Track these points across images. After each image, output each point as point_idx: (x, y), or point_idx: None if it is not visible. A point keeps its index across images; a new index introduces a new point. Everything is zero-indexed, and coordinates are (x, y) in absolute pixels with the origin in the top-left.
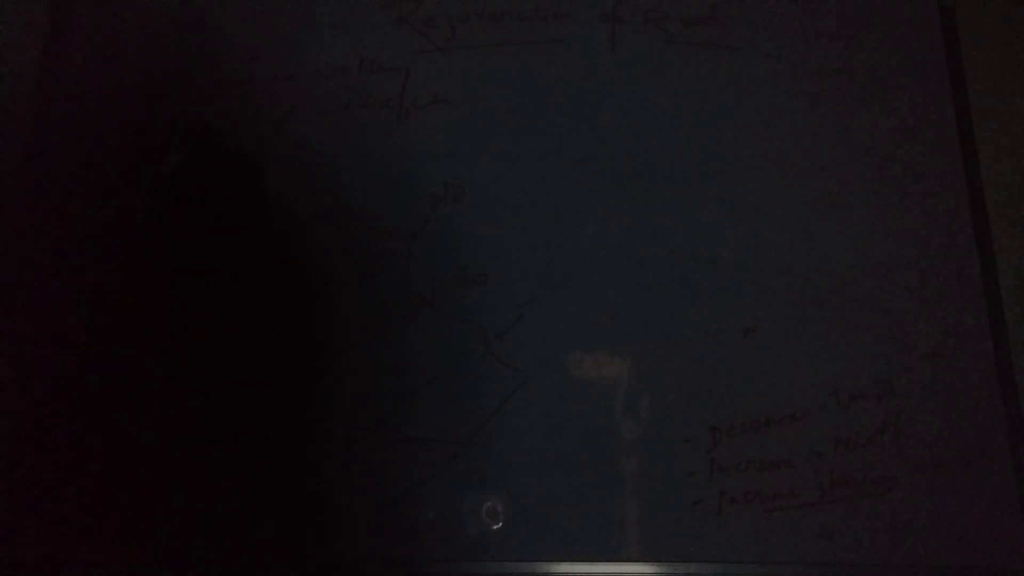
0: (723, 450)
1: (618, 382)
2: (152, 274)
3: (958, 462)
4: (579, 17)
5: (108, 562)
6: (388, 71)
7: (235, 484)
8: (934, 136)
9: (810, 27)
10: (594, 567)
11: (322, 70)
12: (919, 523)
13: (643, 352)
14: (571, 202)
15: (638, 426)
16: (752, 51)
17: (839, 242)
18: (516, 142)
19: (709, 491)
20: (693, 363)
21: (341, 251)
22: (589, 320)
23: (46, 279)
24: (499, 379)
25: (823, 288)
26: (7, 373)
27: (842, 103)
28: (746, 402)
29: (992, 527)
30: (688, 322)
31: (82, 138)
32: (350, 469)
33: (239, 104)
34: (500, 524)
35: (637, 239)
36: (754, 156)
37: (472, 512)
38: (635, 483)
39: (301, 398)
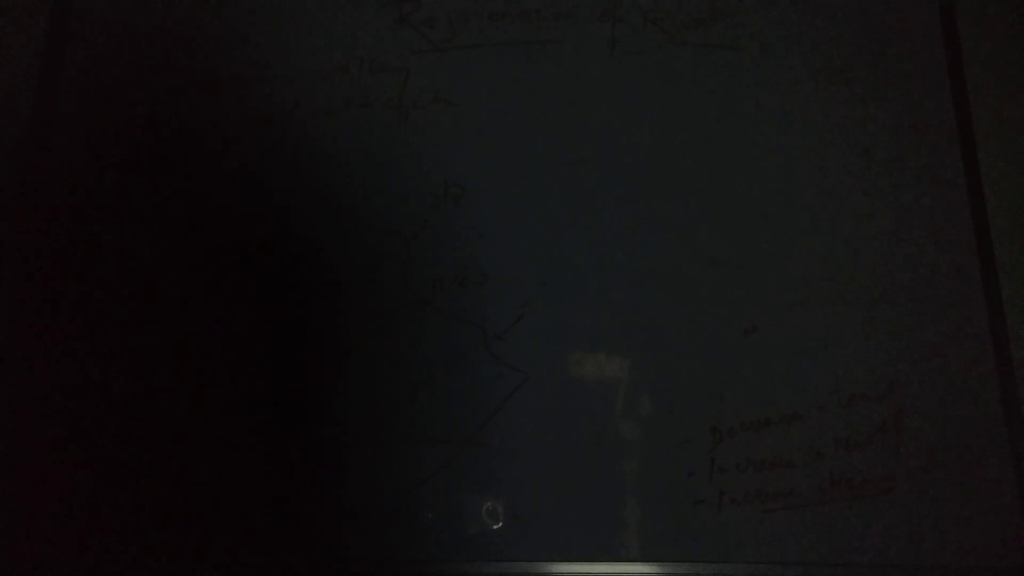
0: (723, 450)
1: (618, 382)
2: (152, 274)
3: (958, 462)
4: (579, 17)
5: (109, 562)
6: (388, 71)
7: (235, 484)
8: (934, 136)
9: (810, 27)
10: (594, 567)
11: (322, 70)
12: (919, 523)
13: (643, 352)
14: (571, 202)
15: (638, 426)
16: (752, 51)
17: (839, 242)
18: (516, 142)
19: (709, 491)
20: (693, 363)
21: (341, 251)
22: (589, 320)
23: (47, 279)
24: (499, 379)
25: (823, 288)
26: (9, 373)
27: (842, 103)
28: (746, 402)
29: (992, 527)
30: (688, 322)
31: (82, 138)
32: (350, 469)
33: (239, 104)
34: (500, 524)
35: (637, 239)
36: (754, 156)
37: (472, 512)
38: (635, 483)
39: (301, 398)
